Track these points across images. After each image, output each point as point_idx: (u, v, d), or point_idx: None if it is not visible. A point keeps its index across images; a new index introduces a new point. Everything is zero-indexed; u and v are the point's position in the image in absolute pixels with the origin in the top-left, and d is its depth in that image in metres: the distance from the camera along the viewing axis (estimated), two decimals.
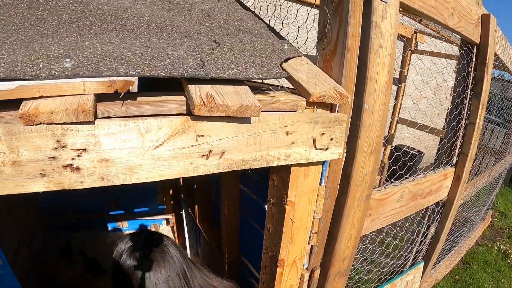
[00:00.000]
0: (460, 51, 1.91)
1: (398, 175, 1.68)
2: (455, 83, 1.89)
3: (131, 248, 1.03)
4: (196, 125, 0.78)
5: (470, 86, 1.91)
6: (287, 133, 0.91)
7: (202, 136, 0.81)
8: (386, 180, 3.80)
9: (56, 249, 2.42)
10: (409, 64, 3.53)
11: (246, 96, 0.83)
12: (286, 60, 1.06)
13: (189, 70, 0.83)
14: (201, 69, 0.84)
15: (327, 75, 1.08)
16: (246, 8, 1.43)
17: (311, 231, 1.25)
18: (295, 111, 0.95)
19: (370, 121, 1.15)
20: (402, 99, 3.66)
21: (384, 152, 3.90)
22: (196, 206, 2.22)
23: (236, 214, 1.80)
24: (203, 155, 0.83)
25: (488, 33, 1.89)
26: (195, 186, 2.27)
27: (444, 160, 1.96)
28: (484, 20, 1.88)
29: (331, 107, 1.03)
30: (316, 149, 0.97)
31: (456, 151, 1.99)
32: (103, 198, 2.54)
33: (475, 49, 1.93)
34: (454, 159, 1.99)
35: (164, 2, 1.31)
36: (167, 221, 2.76)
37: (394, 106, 3.70)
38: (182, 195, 2.60)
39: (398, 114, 3.68)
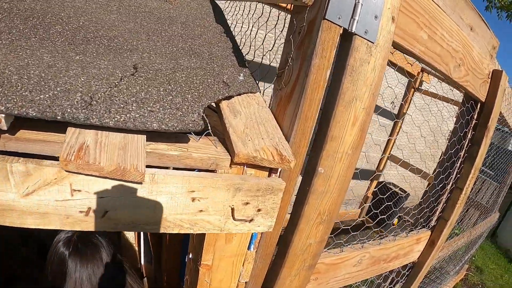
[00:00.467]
0: (461, 108, 1.61)
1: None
2: (448, 144, 1.59)
3: (68, 238, 1.06)
4: (72, 178, 0.56)
5: (465, 148, 1.61)
6: (193, 199, 0.65)
7: (79, 191, 0.58)
8: (366, 216, 3.53)
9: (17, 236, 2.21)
10: (409, 103, 3.21)
11: (132, 153, 0.58)
12: (228, 98, 0.79)
13: (68, 110, 0.59)
14: (83, 111, 0.59)
15: (276, 124, 0.81)
16: (220, 20, 1.16)
17: None
18: (215, 171, 0.69)
19: (324, 188, 0.87)
20: (397, 136, 3.34)
21: (369, 186, 3.61)
22: None
23: (179, 242, 1.54)
24: (81, 211, 0.60)
25: (497, 92, 1.57)
26: None
27: (419, 224, 1.67)
28: (495, 77, 1.56)
29: (270, 168, 0.76)
30: (235, 220, 0.71)
31: (436, 214, 1.69)
32: None
33: (478, 107, 1.62)
34: (432, 222, 1.70)
35: (122, 4, 1.04)
36: None
37: (388, 143, 3.38)
38: None
39: (390, 151, 3.36)
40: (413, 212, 1.65)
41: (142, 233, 2.12)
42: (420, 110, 3.09)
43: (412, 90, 3.09)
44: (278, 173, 0.77)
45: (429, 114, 3.57)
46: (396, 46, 0.97)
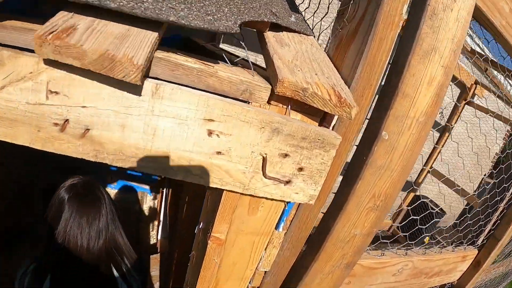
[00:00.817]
0: None
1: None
2: (508, 152, 1.27)
3: (73, 183, 0.97)
4: (50, 74, 0.39)
5: None
6: (210, 133, 0.43)
7: (56, 93, 0.40)
8: (398, 229, 3.16)
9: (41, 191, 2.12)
10: (459, 115, 2.81)
11: (132, 44, 0.38)
12: (276, 29, 0.57)
13: None
14: None
15: (333, 67, 0.58)
16: None
17: (249, 283, 0.76)
18: (247, 102, 0.47)
19: (385, 161, 0.63)
20: (441, 149, 2.93)
21: (405, 198, 3.22)
22: (170, 189, 1.78)
23: (196, 215, 1.33)
24: (56, 124, 0.41)
25: None
26: None
27: (468, 237, 1.36)
28: None
29: (322, 117, 0.53)
30: (266, 177, 0.48)
31: (486, 232, 1.37)
32: None
33: None
34: (480, 240, 1.38)
35: None
36: (155, 193, 2.35)
37: (431, 155, 2.96)
38: None
39: (433, 162, 2.95)
40: (457, 227, 1.35)
41: (162, 206, 1.94)
42: (466, 125, 2.71)
43: (463, 102, 2.71)
44: (331, 127, 0.54)
45: (477, 130, 3.16)
46: (477, 11, 0.72)
